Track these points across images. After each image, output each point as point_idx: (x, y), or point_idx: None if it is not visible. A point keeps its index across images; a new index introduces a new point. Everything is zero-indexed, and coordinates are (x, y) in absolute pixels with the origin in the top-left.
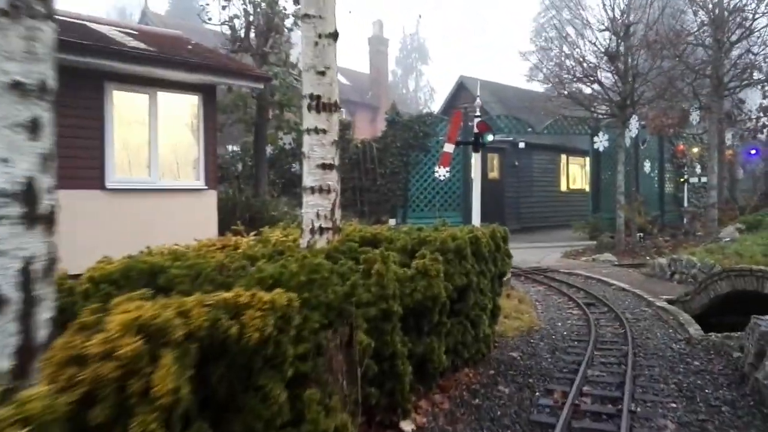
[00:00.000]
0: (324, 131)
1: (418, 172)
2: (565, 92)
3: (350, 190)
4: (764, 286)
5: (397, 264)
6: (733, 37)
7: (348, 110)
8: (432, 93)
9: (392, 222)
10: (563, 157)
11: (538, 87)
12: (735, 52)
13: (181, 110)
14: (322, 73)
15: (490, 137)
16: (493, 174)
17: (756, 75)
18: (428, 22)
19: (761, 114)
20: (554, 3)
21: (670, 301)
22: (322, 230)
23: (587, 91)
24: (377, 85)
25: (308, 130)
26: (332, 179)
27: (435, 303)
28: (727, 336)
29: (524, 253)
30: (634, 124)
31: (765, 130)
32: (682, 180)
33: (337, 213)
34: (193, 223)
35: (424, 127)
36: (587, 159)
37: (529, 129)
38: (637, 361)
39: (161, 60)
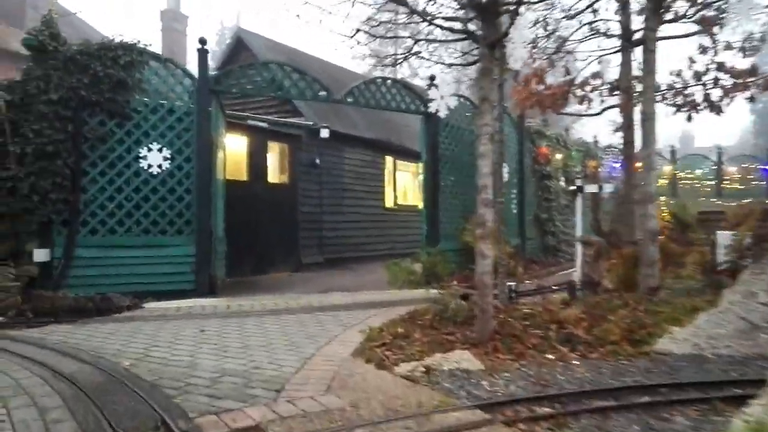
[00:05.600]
0: None
1: (105, 155)
2: None
3: None
4: None
5: None
6: None
7: None
8: None
9: (41, 255)
10: (389, 159)
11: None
12: None
13: None
14: None
15: None
16: (282, 176)
17: None
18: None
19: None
20: None
21: None
22: None
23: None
24: None
25: None
26: None
27: None
28: None
29: (295, 330)
30: (520, 56)
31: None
32: (572, 188)
33: None
34: None
35: (118, 70)
36: (421, 165)
37: (323, 92)
38: None
39: None
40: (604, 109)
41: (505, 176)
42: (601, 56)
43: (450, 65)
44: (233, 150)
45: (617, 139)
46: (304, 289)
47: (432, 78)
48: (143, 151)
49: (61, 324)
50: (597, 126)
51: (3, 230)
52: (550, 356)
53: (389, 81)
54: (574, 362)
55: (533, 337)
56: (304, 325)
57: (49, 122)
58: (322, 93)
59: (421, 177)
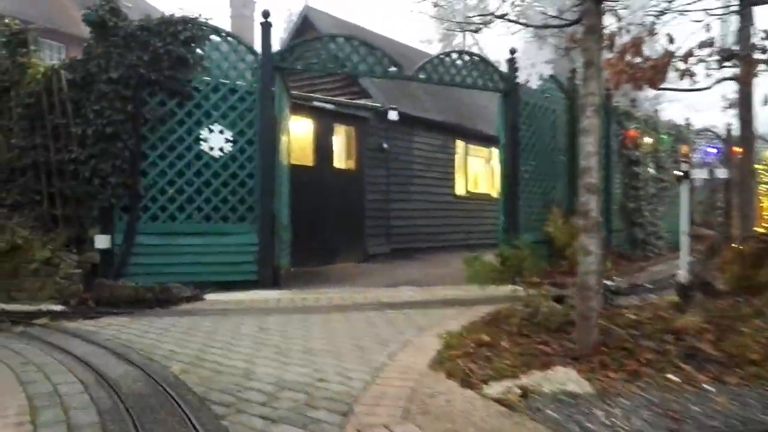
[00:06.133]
0: None
1: (164, 137)
2: None
3: (30, 169)
4: None
5: None
6: None
7: None
8: None
9: (102, 241)
10: (460, 144)
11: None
12: None
13: None
14: None
15: None
16: (348, 161)
17: None
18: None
19: None
20: None
21: None
22: None
23: None
24: None
25: None
26: None
27: None
28: None
29: (364, 331)
30: None
31: None
32: (678, 174)
33: None
34: None
35: (178, 46)
36: (494, 150)
37: (393, 68)
38: None
39: None
40: (718, 81)
41: None
42: (714, 19)
43: (545, 27)
44: (298, 133)
45: (711, 120)
46: (370, 282)
47: (513, 51)
48: (204, 133)
49: (119, 316)
50: (677, 107)
51: (67, 214)
52: (672, 377)
53: (465, 55)
54: (706, 387)
55: (646, 350)
56: (373, 325)
57: (109, 102)
58: (393, 69)
59: (495, 162)
